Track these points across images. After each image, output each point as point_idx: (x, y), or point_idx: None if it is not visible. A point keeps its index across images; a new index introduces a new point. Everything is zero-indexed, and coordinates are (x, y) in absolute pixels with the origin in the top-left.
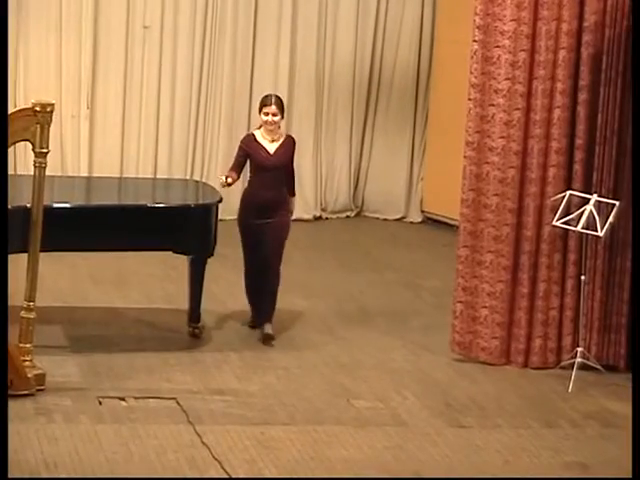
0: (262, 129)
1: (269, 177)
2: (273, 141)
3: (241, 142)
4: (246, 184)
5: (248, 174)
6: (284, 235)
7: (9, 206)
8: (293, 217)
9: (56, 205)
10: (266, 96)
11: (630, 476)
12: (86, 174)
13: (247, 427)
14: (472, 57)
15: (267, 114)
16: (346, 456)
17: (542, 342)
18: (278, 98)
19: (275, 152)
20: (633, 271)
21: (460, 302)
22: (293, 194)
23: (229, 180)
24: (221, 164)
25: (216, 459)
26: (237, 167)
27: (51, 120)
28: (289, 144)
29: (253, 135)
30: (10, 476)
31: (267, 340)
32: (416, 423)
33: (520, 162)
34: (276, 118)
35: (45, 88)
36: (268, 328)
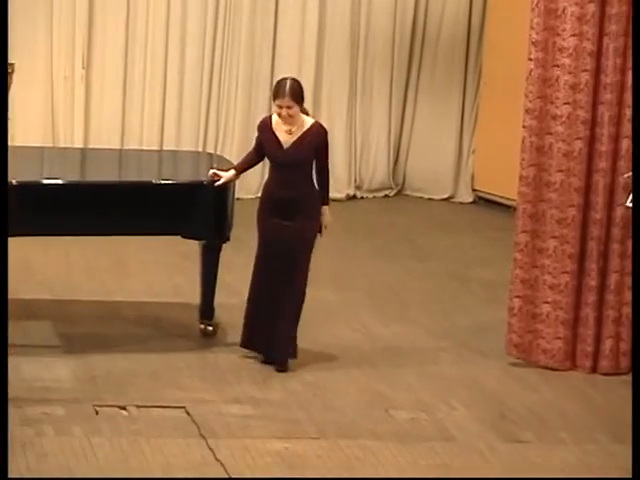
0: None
1: (284, 174)
2: (290, 133)
3: (258, 125)
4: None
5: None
6: (305, 243)
7: None
8: None
9: (46, 181)
10: (279, 83)
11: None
12: (81, 145)
13: (268, 441)
14: (533, 10)
15: (280, 107)
16: (384, 476)
17: (613, 343)
18: (293, 84)
19: (290, 147)
20: (633, 270)
21: (518, 297)
22: (326, 201)
23: (216, 176)
24: (238, 135)
25: (232, 479)
26: (253, 153)
27: (11, 82)
28: (312, 137)
29: (270, 120)
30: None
31: (280, 370)
32: (465, 437)
33: (588, 133)
34: (292, 111)
35: (32, 43)
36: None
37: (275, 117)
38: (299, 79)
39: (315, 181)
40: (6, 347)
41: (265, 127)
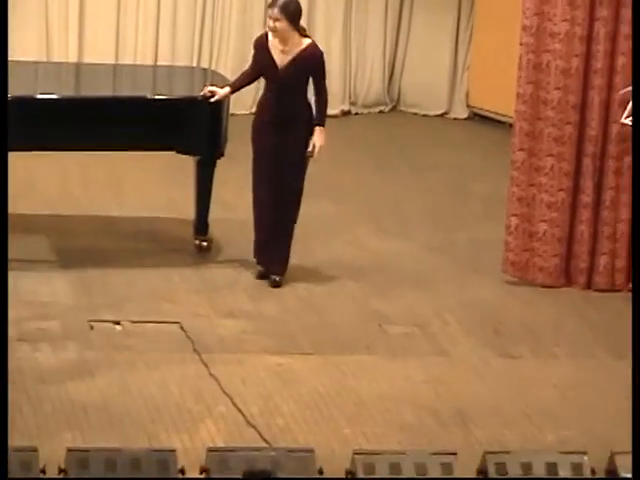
0: None
1: (278, 94)
2: (285, 52)
3: (254, 43)
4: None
5: None
6: (298, 161)
7: None
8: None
9: (40, 96)
10: None
11: None
12: (75, 60)
13: (262, 356)
14: None
15: (270, 18)
16: (378, 391)
17: (608, 260)
18: (289, 1)
19: (284, 68)
20: (633, 259)
21: (515, 215)
22: (321, 123)
23: (212, 93)
24: (233, 50)
25: (226, 393)
26: (249, 71)
27: None
28: (306, 59)
29: (266, 38)
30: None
31: (274, 285)
32: (459, 352)
33: (585, 49)
34: (278, 24)
35: None
36: (275, 277)
37: (271, 36)
38: None
39: (313, 102)
40: (6, 344)
41: (261, 45)
